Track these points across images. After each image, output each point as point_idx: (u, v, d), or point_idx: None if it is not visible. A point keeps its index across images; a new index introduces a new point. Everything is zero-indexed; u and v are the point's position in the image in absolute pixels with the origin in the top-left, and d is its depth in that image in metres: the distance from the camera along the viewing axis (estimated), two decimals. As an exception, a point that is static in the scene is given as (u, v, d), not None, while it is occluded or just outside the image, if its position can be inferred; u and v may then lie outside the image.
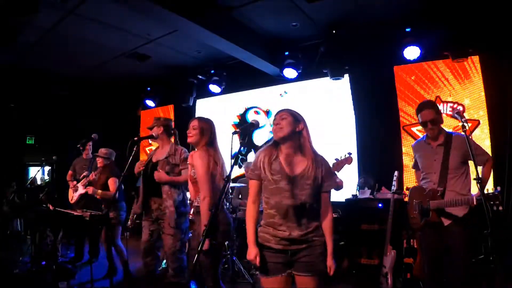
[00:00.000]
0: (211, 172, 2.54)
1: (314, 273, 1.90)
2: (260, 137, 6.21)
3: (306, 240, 1.90)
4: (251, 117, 6.41)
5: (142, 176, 3.10)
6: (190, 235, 3.99)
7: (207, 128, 2.72)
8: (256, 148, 6.19)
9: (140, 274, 3.60)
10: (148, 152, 7.35)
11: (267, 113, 6.20)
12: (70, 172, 5.12)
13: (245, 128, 2.01)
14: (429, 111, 2.67)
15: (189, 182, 2.77)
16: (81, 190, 4.55)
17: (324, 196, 1.98)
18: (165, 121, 3.21)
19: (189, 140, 2.71)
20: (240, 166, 6.16)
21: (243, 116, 6.49)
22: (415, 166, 3.00)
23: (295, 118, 1.97)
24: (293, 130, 1.95)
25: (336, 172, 2.87)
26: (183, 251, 3.03)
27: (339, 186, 2.74)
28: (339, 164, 2.91)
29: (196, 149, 2.72)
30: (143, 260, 3.13)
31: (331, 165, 2.89)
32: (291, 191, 1.88)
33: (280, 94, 6.02)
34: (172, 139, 3.26)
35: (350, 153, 2.99)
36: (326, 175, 1.96)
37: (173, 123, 3.31)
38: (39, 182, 7.90)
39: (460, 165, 2.61)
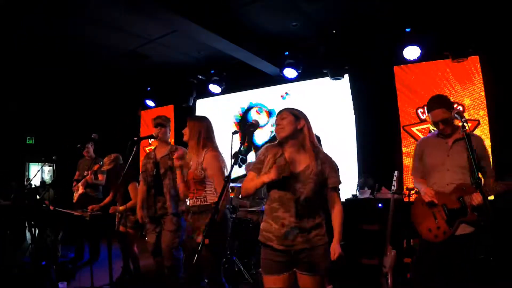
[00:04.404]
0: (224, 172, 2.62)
1: (316, 273, 1.92)
2: (261, 136, 6.21)
3: (308, 239, 1.91)
4: (253, 115, 6.41)
5: (148, 177, 3.17)
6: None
7: (198, 127, 2.69)
8: (256, 148, 6.19)
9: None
10: (147, 152, 7.35)
11: (270, 113, 6.20)
12: (77, 172, 5.14)
13: (245, 128, 2.02)
14: (440, 111, 2.36)
15: (181, 181, 2.67)
16: (80, 190, 4.61)
17: (331, 193, 2.00)
18: (168, 121, 3.30)
19: (184, 138, 2.75)
20: (240, 166, 6.15)
21: (245, 114, 6.49)
22: (416, 171, 2.62)
23: (296, 117, 1.99)
24: (295, 129, 1.97)
25: None
26: (180, 249, 3.07)
27: None
28: None
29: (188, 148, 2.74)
30: (154, 260, 3.21)
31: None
32: (294, 186, 1.91)
33: (282, 96, 5.99)
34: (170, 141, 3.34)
35: None
36: (331, 172, 1.97)
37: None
38: (38, 182, 7.91)
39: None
